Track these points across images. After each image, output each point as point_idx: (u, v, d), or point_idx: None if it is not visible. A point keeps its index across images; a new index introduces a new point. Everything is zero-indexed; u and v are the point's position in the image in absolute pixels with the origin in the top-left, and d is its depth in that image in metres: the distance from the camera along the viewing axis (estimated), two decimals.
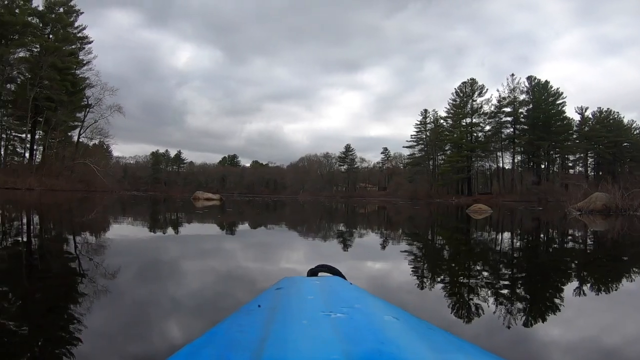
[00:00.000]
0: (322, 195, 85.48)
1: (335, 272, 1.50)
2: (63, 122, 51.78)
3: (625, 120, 77.47)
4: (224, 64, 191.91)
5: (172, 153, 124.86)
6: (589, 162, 79.89)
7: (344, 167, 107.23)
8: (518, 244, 8.03)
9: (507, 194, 69.93)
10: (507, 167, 78.72)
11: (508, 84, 75.48)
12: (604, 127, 74.90)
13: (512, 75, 75.48)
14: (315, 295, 1.00)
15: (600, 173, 75.66)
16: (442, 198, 71.34)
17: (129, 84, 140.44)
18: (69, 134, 58.74)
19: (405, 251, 6.02)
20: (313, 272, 1.51)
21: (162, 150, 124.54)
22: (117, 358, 1.88)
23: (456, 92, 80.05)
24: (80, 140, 59.75)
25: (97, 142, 65.01)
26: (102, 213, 13.45)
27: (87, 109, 58.28)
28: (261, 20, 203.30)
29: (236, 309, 1.06)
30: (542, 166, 77.64)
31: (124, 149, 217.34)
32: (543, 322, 2.63)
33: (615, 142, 73.24)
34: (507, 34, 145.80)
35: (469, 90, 78.28)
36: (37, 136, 54.32)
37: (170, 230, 8.59)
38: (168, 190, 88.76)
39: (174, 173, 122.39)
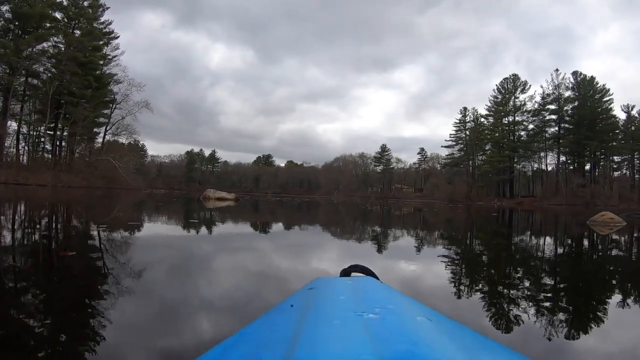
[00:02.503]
0: (357, 195, 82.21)
1: (368, 272, 1.45)
2: (85, 118, 49.41)
3: None
4: (256, 64, 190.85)
5: (207, 153, 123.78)
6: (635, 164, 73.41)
7: (380, 168, 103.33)
8: None
9: (551, 197, 65.54)
10: (549, 169, 73.55)
11: (552, 80, 69.89)
12: None
13: (557, 70, 69.63)
14: (348, 296, 0.98)
15: None
16: (483, 200, 66.72)
17: (163, 85, 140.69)
18: (95, 130, 57.09)
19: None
20: (346, 272, 1.47)
21: (196, 149, 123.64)
22: None
23: (497, 88, 74.89)
24: (107, 137, 58.23)
25: (131, 141, 63.95)
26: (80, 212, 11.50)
27: (114, 105, 56.51)
28: (292, 19, 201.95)
29: (268, 309, 1.05)
30: (586, 167, 71.64)
31: (160, 149, 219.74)
32: None
33: None
34: (544, 29, 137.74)
35: (510, 86, 72.88)
36: (65, 133, 52.28)
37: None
38: (202, 189, 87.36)
39: (208, 172, 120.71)
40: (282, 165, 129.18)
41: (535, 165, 74.91)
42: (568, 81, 69.83)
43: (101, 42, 54.50)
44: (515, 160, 73.13)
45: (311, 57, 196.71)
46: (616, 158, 73.19)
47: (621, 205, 53.59)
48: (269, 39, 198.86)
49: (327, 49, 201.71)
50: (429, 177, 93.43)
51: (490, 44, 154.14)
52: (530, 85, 72.49)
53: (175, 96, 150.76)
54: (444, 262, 5.10)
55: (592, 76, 68.98)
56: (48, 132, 50.74)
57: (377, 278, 1.37)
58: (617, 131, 70.30)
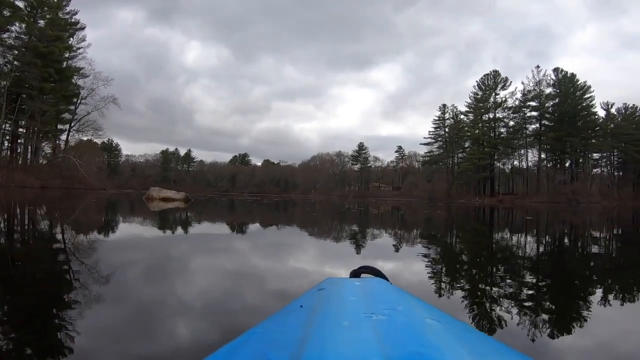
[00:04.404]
0: (334, 194, 79.15)
1: (377, 273, 1.40)
2: (44, 112, 44.52)
3: None
4: (232, 62, 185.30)
5: (183, 152, 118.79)
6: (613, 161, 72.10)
7: (357, 166, 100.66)
8: None
9: (532, 194, 62.99)
10: (529, 166, 71.18)
11: (533, 76, 67.09)
12: (631, 124, 66.80)
13: (538, 67, 66.77)
14: (357, 297, 0.97)
15: (621, 173, 71.08)
16: (464, 198, 63.51)
17: (138, 83, 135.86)
18: (60, 127, 52.22)
19: None
20: (355, 274, 1.42)
21: (172, 149, 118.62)
22: None
23: (478, 84, 71.60)
24: (72, 133, 53.18)
25: (105, 140, 59.89)
26: None
27: (79, 100, 51.73)
28: (268, 17, 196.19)
29: (278, 309, 1.02)
30: (566, 164, 69.41)
31: (135, 148, 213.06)
32: None
33: None
34: (522, 28, 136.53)
35: (491, 82, 69.62)
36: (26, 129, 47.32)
37: None
38: (176, 188, 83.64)
39: (184, 172, 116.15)
40: (259, 164, 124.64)
41: (516, 163, 72.52)
42: (549, 78, 67.46)
43: (66, 34, 49.78)
44: (496, 157, 70.19)
45: (288, 55, 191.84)
46: (595, 155, 71.76)
47: (603, 202, 51.53)
48: (245, 36, 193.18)
49: (304, 47, 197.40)
50: (407, 175, 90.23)
51: (468, 43, 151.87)
52: (511, 82, 69.62)
53: (151, 94, 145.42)
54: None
55: (572, 73, 66.73)
56: (7, 128, 45.84)
57: (387, 279, 1.31)
58: (597, 128, 68.38)
